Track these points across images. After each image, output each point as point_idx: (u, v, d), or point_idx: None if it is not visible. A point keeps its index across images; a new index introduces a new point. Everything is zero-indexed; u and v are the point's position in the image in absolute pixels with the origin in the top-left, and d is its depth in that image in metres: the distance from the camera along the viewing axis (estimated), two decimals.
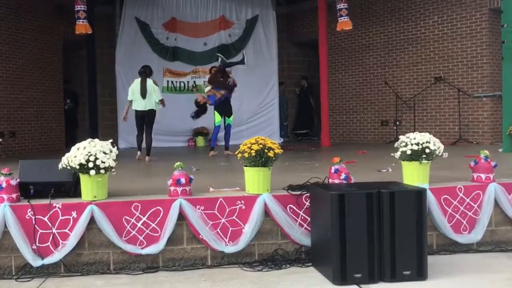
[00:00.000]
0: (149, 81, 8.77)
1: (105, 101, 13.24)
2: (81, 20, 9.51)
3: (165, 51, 13.13)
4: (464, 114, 10.80)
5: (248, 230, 4.34)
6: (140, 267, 4.29)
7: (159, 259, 4.32)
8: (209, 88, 9.77)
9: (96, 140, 4.31)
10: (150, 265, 4.30)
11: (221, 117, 9.46)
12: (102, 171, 4.19)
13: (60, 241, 4.20)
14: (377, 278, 3.83)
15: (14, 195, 4.27)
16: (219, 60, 10.50)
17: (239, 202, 4.41)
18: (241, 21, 13.57)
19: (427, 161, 4.56)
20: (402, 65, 11.84)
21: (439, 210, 4.55)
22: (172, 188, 4.38)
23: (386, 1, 12.06)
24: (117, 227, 4.24)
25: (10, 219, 4.14)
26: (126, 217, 4.27)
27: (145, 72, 8.83)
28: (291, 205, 4.45)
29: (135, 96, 8.70)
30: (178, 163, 4.47)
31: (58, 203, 4.24)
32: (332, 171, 4.57)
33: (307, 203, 4.41)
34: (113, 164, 4.25)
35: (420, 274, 3.87)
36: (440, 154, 4.61)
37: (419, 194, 3.95)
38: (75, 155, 4.17)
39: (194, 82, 13.24)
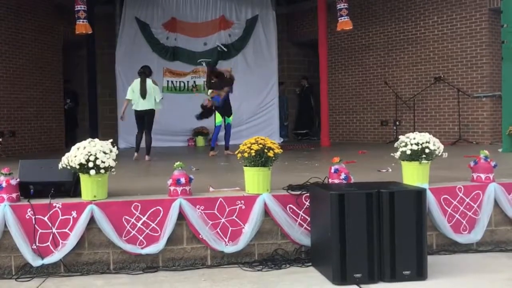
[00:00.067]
0: (149, 81, 8.79)
1: (105, 101, 13.24)
2: (81, 20, 9.52)
3: (165, 51, 13.13)
4: (464, 114, 10.80)
5: (248, 230, 4.34)
6: (140, 267, 4.29)
7: (159, 259, 4.32)
8: (211, 91, 9.79)
9: (96, 140, 4.31)
10: (150, 265, 4.30)
11: (222, 117, 9.47)
12: (102, 171, 4.19)
13: (60, 241, 4.20)
14: (377, 278, 3.83)
15: (14, 195, 4.27)
16: (204, 65, 10.57)
17: (239, 202, 4.41)
18: (241, 21, 13.58)
19: (426, 161, 4.57)
20: (402, 65, 11.85)
21: (439, 210, 4.56)
22: (172, 188, 4.38)
23: (386, 1, 12.06)
24: (117, 227, 4.24)
25: (10, 218, 4.14)
26: (126, 217, 4.28)
27: (145, 73, 8.86)
28: (291, 205, 4.45)
29: (135, 96, 8.73)
30: (178, 163, 4.47)
31: (58, 203, 4.24)
32: (332, 171, 4.57)
33: (307, 203, 4.41)
34: (113, 164, 4.25)
35: (420, 274, 3.87)
36: (439, 154, 4.61)
37: (419, 194, 3.95)
38: (75, 155, 4.18)
39: (194, 82, 13.24)
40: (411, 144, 4.52)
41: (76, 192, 4.39)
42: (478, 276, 3.99)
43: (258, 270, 4.20)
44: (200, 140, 12.81)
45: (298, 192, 4.46)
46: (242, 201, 4.41)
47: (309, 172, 5.74)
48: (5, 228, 4.16)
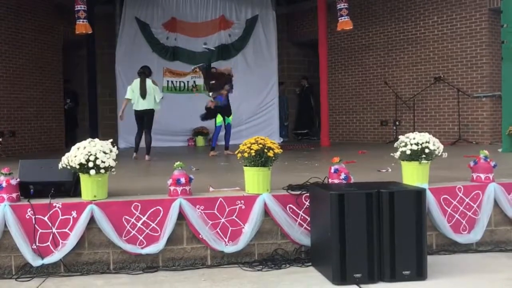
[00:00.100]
0: (148, 82, 8.82)
1: (105, 101, 13.24)
2: (81, 20, 9.52)
3: (165, 51, 13.13)
4: (464, 114, 10.80)
5: (248, 230, 4.34)
6: (140, 266, 4.29)
7: (159, 258, 4.32)
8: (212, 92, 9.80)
9: (96, 139, 4.32)
10: (150, 264, 4.30)
11: (222, 117, 9.48)
12: (102, 170, 4.19)
13: (60, 241, 4.20)
14: (377, 278, 3.84)
15: (14, 195, 4.27)
16: (200, 68, 10.59)
17: (239, 202, 4.41)
18: (241, 21, 13.58)
19: (426, 161, 4.57)
20: (401, 65, 11.85)
21: (438, 210, 4.56)
22: (172, 188, 4.38)
23: (386, 1, 12.06)
24: (117, 227, 4.24)
25: (10, 218, 4.14)
26: (126, 216, 4.28)
27: (144, 73, 8.90)
28: (290, 205, 4.45)
29: (134, 96, 8.76)
30: (178, 162, 4.47)
31: (58, 202, 4.24)
32: (332, 171, 4.57)
33: (307, 203, 4.41)
34: (113, 163, 4.26)
35: (420, 274, 3.87)
36: (439, 154, 4.62)
37: (419, 194, 3.96)
38: (75, 155, 4.18)
39: (194, 82, 13.24)
40: (411, 144, 4.53)
41: (76, 192, 4.40)
42: (478, 276, 4.00)
43: (258, 270, 4.20)
44: (200, 140, 12.81)
45: (298, 192, 4.46)
46: (242, 201, 4.41)
47: (309, 172, 5.74)
48: (5, 228, 4.16)
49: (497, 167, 4.86)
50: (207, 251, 4.37)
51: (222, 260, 4.38)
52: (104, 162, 4.17)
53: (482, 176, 4.77)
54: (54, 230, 4.21)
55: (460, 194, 4.67)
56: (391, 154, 4.81)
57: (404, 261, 3.84)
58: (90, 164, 4.15)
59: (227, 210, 4.39)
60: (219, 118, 9.45)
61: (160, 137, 11.54)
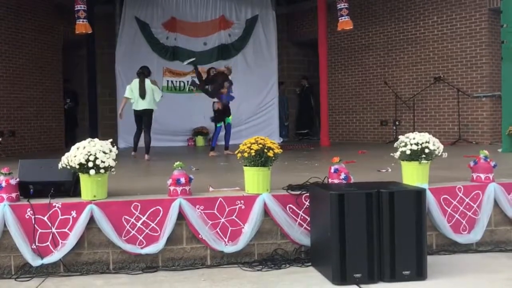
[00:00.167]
0: (147, 82, 8.85)
1: (105, 101, 13.24)
2: (81, 20, 9.51)
3: (165, 50, 13.13)
4: (464, 114, 10.80)
5: (248, 230, 4.34)
6: (139, 266, 4.29)
7: (158, 258, 4.32)
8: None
9: (96, 139, 4.32)
10: (149, 264, 4.30)
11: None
12: (102, 170, 4.19)
13: (60, 241, 4.20)
14: (377, 278, 3.84)
15: (13, 195, 4.27)
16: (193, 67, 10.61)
17: (239, 202, 4.41)
18: (241, 21, 13.57)
19: (426, 161, 4.57)
20: (401, 65, 11.85)
21: (438, 210, 4.56)
22: (171, 188, 4.38)
23: (386, 1, 12.06)
24: (117, 227, 4.24)
25: (9, 218, 4.14)
26: (126, 216, 4.28)
27: (144, 73, 8.94)
28: (290, 205, 4.45)
29: (134, 96, 8.79)
30: (178, 162, 4.47)
31: (57, 202, 4.24)
32: (332, 171, 4.57)
33: (307, 203, 4.41)
34: (112, 163, 4.25)
35: (420, 274, 3.87)
36: (439, 154, 4.61)
37: (419, 194, 3.95)
38: (75, 155, 4.18)
39: (194, 81, 13.22)
40: (411, 144, 4.53)
41: (76, 192, 4.39)
42: (477, 276, 3.99)
43: (258, 270, 4.20)
44: (200, 140, 12.81)
45: (298, 192, 4.46)
46: (242, 201, 4.41)
47: (309, 172, 5.74)
48: (4, 228, 4.16)
49: (497, 167, 4.86)
50: (207, 251, 4.37)
51: (222, 260, 4.37)
52: (103, 162, 4.17)
53: (482, 176, 4.77)
54: (53, 230, 4.21)
55: (460, 194, 4.67)
56: (391, 154, 4.80)
57: (404, 261, 3.84)
58: (90, 164, 4.15)
59: (227, 210, 4.38)
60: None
61: (160, 137, 11.55)
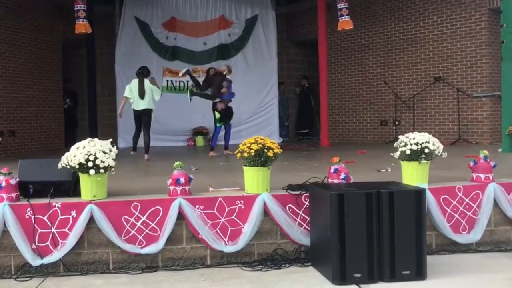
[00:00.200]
0: (147, 82, 8.86)
1: (104, 101, 13.24)
2: (80, 20, 9.51)
3: (164, 50, 13.13)
4: (464, 114, 10.80)
5: (248, 229, 4.34)
6: (139, 266, 4.29)
7: (158, 258, 4.32)
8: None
9: (96, 139, 4.32)
10: (149, 264, 4.30)
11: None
12: (102, 170, 4.19)
13: (60, 241, 4.20)
14: (377, 278, 3.84)
15: (13, 195, 4.27)
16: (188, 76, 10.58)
17: (239, 201, 4.41)
18: (240, 20, 13.57)
19: (426, 161, 4.57)
20: (401, 65, 11.85)
21: (438, 210, 4.56)
22: (171, 188, 4.38)
23: (386, 1, 12.06)
24: (117, 227, 4.24)
25: (9, 218, 4.14)
26: (126, 216, 4.27)
27: (143, 73, 8.97)
28: (290, 205, 4.45)
29: (133, 96, 8.81)
30: (178, 162, 4.47)
31: (57, 202, 4.24)
32: (332, 170, 4.57)
33: (307, 203, 4.41)
34: (112, 163, 4.25)
35: (420, 274, 3.87)
36: (439, 154, 4.61)
37: (419, 194, 3.96)
38: (75, 155, 4.18)
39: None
40: (411, 144, 4.53)
41: (76, 192, 4.39)
42: (477, 276, 3.99)
43: (258, 270, 4.20)
44: (200, 140, 12.81)
45: (298, 192, 4.46)
46: (242, 201, 4.41)
47: (309, 172, 5.74)
48: (4, 228, 4.16)
49: (497, 167, 4.86)
50: (207, 251, 4.37)
51: (222, 260, 4.37)
52: (103, 162, 4.17)
53: (482, 176, 4.77)
54: (53, 229, 4.21)
55: (460, 194, 4.67)
56: (391, 154, 4.80)
57: (404, 261, 3.84)
58: (90, 164, 4.14)
59: (226, 210, 4.38)
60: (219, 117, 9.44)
61: (159, 136, 11.55)
